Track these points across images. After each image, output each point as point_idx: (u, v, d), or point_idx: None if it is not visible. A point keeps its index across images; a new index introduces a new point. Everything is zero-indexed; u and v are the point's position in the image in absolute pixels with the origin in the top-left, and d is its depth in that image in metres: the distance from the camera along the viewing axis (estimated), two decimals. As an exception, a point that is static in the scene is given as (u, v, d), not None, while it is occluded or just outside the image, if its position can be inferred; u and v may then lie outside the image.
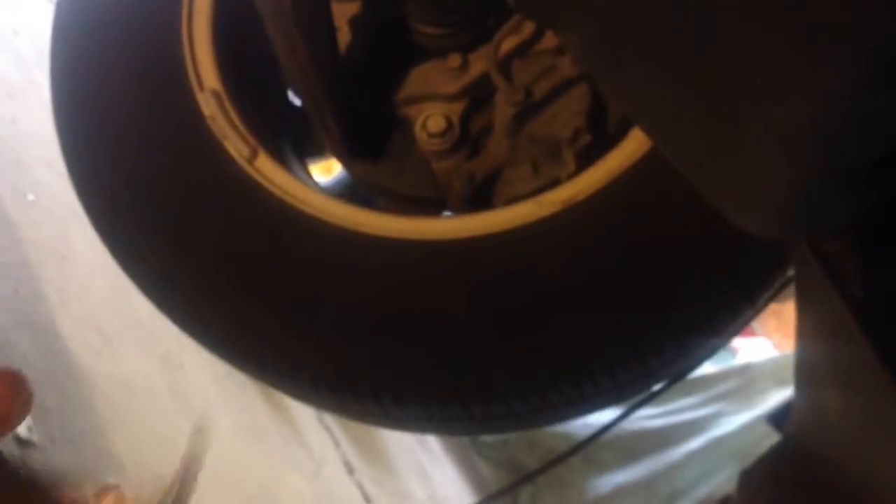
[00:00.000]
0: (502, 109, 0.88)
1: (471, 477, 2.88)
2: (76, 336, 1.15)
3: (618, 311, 0.78)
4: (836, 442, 0.65)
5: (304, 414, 1.96)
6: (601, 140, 0.88)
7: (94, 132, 0.89)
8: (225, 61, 0.92)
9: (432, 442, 2.81)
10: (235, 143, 0.88)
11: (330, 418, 2.08)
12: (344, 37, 0.95)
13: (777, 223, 0.36)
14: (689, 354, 0.83)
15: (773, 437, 0.82)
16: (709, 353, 0.89)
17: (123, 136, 0.88)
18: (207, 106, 0.88)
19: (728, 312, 0.79)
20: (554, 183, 0.88)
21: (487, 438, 3.27)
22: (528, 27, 0.90)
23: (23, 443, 0.93)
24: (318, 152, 1.10)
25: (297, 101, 1.06)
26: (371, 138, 0.96)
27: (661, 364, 0.80)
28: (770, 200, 0.33)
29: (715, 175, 0.36)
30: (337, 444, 2.06)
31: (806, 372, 0.68)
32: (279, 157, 0.93)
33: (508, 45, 0.90)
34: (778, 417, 0.79)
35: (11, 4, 1.69)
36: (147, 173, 0.87)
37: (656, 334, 0.79)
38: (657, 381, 0.88)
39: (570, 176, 0.87)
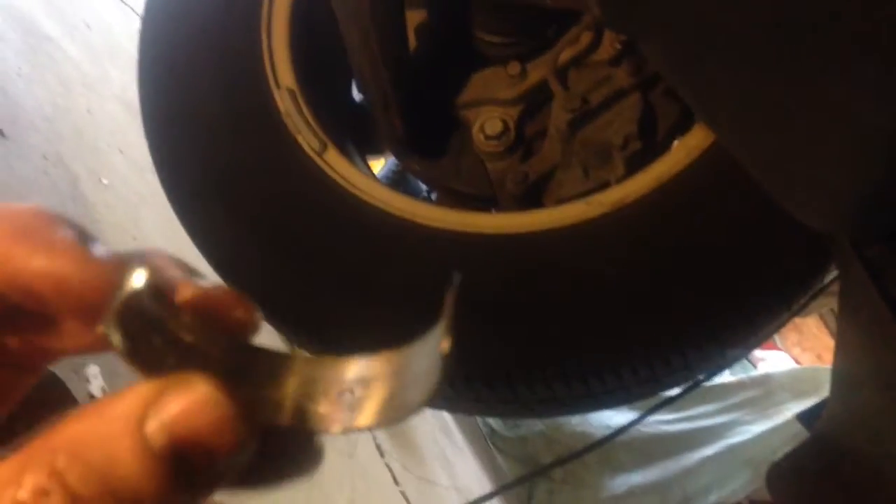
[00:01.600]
0: (558, 115, 0.94)
1: (490, 469, 2.95)
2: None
3: (658, 308, 0.84)
4: (870, 440, 0.70)
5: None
6: (650, 147, 0.94)
7: (180, 125, 0.96)
8: (299, 62, 0.99)
9: (455, 433, 2.89)
10: (307, 138, 0.94)
11: (364, 403, 2.17)
12: (411, 42, 1.02)
13: (840, 222, 0.41)
14: (724, 354, 0.89)
15: (788, 447, 0.87)
16: (741, 355, 0.95)
17: (207, 130, 0.95)
18: (283, 103, 0.95)
19: (765, 316, 0.84)
20: (603, 185, 0.94)
21: (507, 434, 3.32)
22: (585, 39, 0.96)
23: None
24: (376, 149, 1.17)
25: (360, 101, 1.13)
26: (431, 137, 1.03)
27: (699, 360, 0.86)
28: (834, 208, 0.38)
29: (785, 172, 0.41)
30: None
31: (845, 371, 0.73)
32: (344, 151, 1.00)
33: (566, 55, 0.96)
34: (808, 416, 0.84)
35: (82, 2, 1.77)
36: (227, 164, 0.94)
37: (695, 333, 0.85)
38: (693, 377, 0.94)
39: (620, 179, 0.92)
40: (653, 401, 1.40)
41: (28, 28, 1.51)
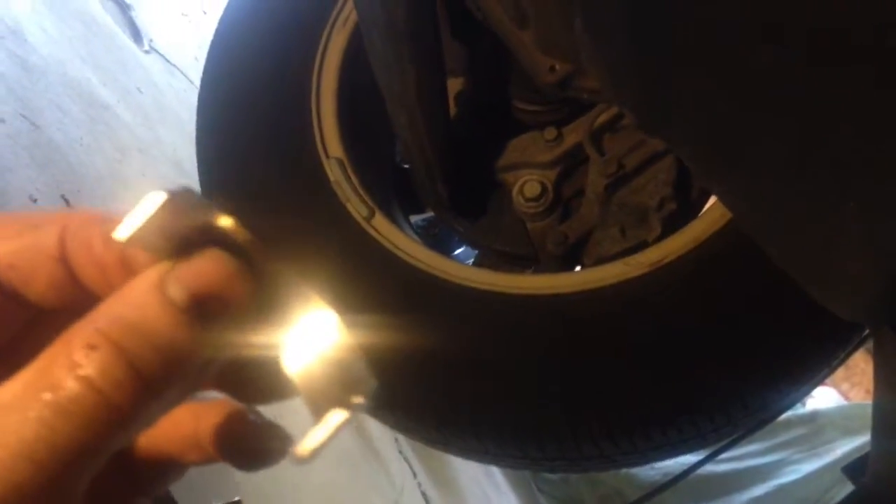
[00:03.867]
0: (595, 179, 0.97)
1: (533, 513, 2.95)
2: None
3: (698, 366, 0.86)
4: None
5: (385, 444, 2.08)
6: (685, 207, 0.97)
7: (237, 193, 1.02)
8: (347, 132, 1.04)
9: (498, 475, 2.90)
10: (356, 205, 1.00)
11: (408, 449, 2.20)
12: (452, 109, 1.07)
13: (863, 315, 0.44)
14: (768, 407, 0.91)
15: (839, 487, 0.88)
16: (784, 407, 0.96)
17: (262, 200, 1.01)
18: (332, 172, 1.01)
19: (804, 371, 0.86)
20: (640, 245, 0.97)
21: (550, 476, 3.30)
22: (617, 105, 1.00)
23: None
24: (419, 210, 1.22)
25: (403, 165, 1.18)
26: (473, 200, 1.07)
27: (743, 415, 0.87)
28: (856, 299, 0.41)
29: (810, 271, 0.44)
30: (414, 474, 2.17)
31: (882, 425, 0.75)
32: (390, 215, 1.05)
33: (601, 120, 1.00)
34: (854, 469, 0.85)
35: (133, 66, 1.88)
36: (281, 231, 1.00)
37: (735, 390, 0.87)
38: (737, 430, 0.95)
39: (657, 239, 0.96)
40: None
41: (87, 98, 1.61)
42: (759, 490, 3.06)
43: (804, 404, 3.33)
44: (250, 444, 0.29)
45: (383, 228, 1.00)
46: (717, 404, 0.86)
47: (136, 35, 2.09)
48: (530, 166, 1.05)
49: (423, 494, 2.17)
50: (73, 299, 0.26)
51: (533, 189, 1.03)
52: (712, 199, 1.02)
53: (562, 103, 1.01)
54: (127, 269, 0.25)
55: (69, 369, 0.22)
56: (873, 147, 0.34)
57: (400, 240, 0.99)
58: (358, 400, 0.26)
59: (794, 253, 0.45)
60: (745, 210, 0.49)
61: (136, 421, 0.23)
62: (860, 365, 3.48)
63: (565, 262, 1.04)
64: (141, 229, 0.24)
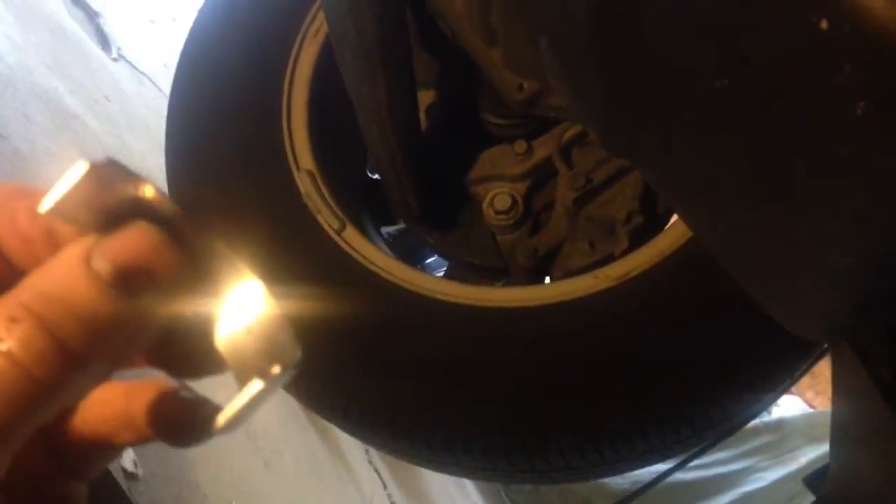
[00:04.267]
0: (564, 192, 0.99)
1: (504, 523, 2.96)
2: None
3: (665, 377, 0.88)
4: (869, 501, 0.73)
5: (355, 455, 2.08)
6: (652, 220, 0.99)
7: (206, 203, 1.02)
8: (318, 144, 1.04)
9: (468, 486, 2.90)
10: (327, 217, 1.00)
11: (378, 460, 2.19)
12: (422, 122, 1.08)
13: (821, 334, 0.45)
14: (733, 418, 0.92)
15: (803, 497, 0.90)
16: (751, 416, 0.98)
17: (230, 209, 1.01)
18: (303, 184, 1.01)
19: (768, 382, 0.88)
20: (608, 258, 0.99)
21: (521, 486, 3.31)
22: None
23: (129, 475, 1.04)
24: (390, 222, 1.22)
25: (375, 177, 1.18)
26: (443, 212, 1.08)
27: (709, 426, 0.89)
28: (814, 319, 0.43)
29: (771, 296, 0.46)
30: (384, 485, 2.16)
31: (841, 436, 0.77)
32: (361, 227, 1.05)
33: (569, 134, 1.01)
34: (814, 480, 0.87)
35: (102, 74, 1.85)
36: (250, 242, 0.99)
37: (701, 401, 0.88)
38: (704, 440, 0.97)
39: (624, 252, 0.97)
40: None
41: (53, 107, 1.59)
42: (725, 498, 3.10)
43: (770, 412, 3.39)
44: (184, 420, 0.29)
45: (354, 241, 1.00)
46: (684, 416, 0.87)
47: (105, 42, 2.07)
48: (501, 179, 1.06)
49: (393, 504, 2.17)
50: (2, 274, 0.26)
51: (503, 202, 1.04)
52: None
53: (531, 118, 1.02)
54: (53, 243, 0.25)
55: None
56: (823, 181, 0.35)
57: (371, 252, 1.00)
58: (277, 370, 0.25)
59: (754, 276, 0.47)
60: (707, 234, 0.50)
61: (59, 394, 0.22)
62: (825, 373, 3.54)
63: (535, 275, 1.05)
64: (65, 201, 0.23)
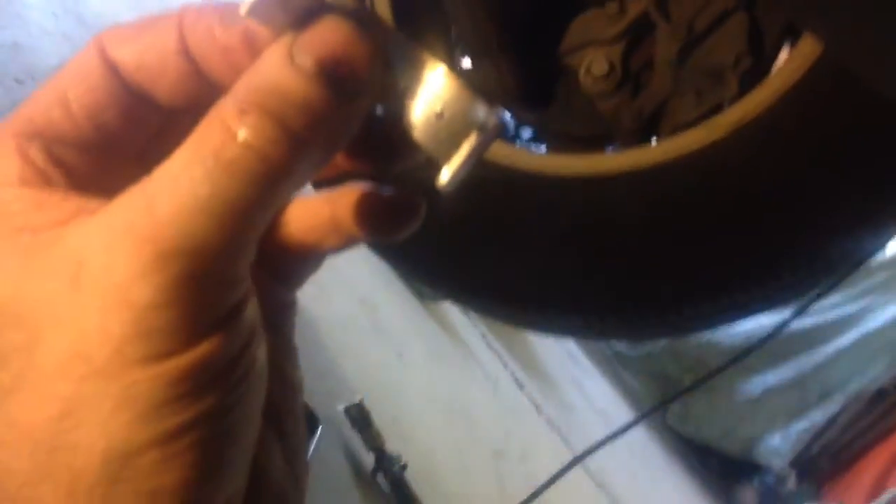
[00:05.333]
0: (665, 46, 0.96)
1: (620, 387, 3.04)
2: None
3: (795, 219, 0.87)
4: None
5: (474, 339, 2.18)
6: (760, 61, 0.95)
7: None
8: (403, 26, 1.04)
9: (581, 357, 2.99)
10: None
11: (496, 342, 2.29)
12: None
13: None
14: (857, 253, 0.91)
15: None
16: (868, 256, 0.96)
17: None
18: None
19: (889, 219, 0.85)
20: (717, 108, 0.96)
21: (631, 353, 3.37)
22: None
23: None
24: (485, 105, 1.22)
25: (462, 67, 1.18)
26: (540, 88, 1.07)
27: (827, 268, 0.88)
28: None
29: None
30: (505, 364, 2.26)
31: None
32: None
33: (664, -16, 0.97)
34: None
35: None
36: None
37: (831, 236, 0.87)
38: (831, 276, 0.96)
39: (733, 99, 0.94)
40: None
41: None
42: (844, 340, 3.07)
43: (884, 250, 3.28)
44: (389, 213, 0.29)
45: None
46: (805, 258, 0.87)
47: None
48: (594, 44, 1.03)
49: (517, 381, 2.27)
50: (200, 96, 0.27)
51: (600, 66, 1.02)
52: (785, 53, 0.99)
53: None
54: (251, 49, 0.26)
55: (226, 134, 0.23)
56: None
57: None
58: (492, 121, 0.25)
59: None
60: (846, 37, 0.48)
61: (292, 176, 0.24)
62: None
63: (641, 137, 1.03)
64: (258, 2, 0.24)
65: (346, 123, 0.25)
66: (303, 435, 0.32)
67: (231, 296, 0.24)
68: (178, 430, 0.23)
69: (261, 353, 0.26)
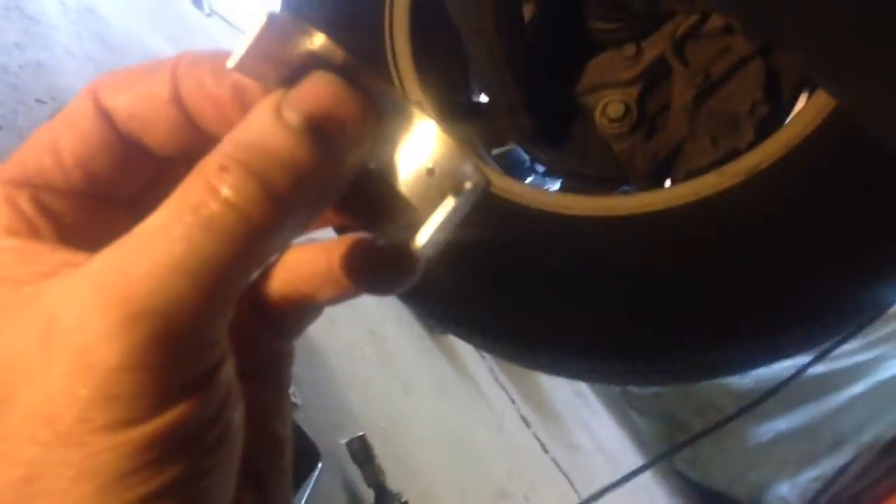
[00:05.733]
0: (681, 91, 0.96)
1: (628, 428, 3.00)
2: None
3: (806, 270, 0.86)
4: None
5: (482, 373, 2.16)
6: (777, 109, 0.95)
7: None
8: (422, 75, 1.05)
9: (590, 396, 2.95)
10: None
11: (504, 377, 2.27)
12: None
13: None
14: (871, 306, 0.89)
15: None
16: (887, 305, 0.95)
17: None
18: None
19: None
20: (732, 154, 0.96)
21: (640, 392, 3.33)
22: (695, 12, 0.97)
23: (291, 406, 1.13)
24: (499, 143, 1.22)
25: (479, 101, 1.18)
26: (556, 128, 1.07)
27: (852, 313, 0.87)
28: None
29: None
30: (512, 401, 2.24)
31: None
32: (475, 153, 1.06)
33: (682, 28, 0.97)
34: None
35: (197, 31, 1.90)
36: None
37: (844, 290, 0.86)
38: (844, 330, 0.95)
39: (750, 146, 0.94)
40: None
41: None
42: (857, 388, 3.02)
43: None
44: (384, 266, 0.28)
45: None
46: (828, 306, 0.85)
47: (196, 1, 2.12)
48: (611, 86, 1.03)
49: (523, 419, 2.24)
50: (192, 145, 0.27)
51: (616, 109, 1.02)
52: (803, 100, 0.99)
53: (637, 18, 0.99)
54: (241, 103, 0.26)
55: (207, 192, 0.23)
56: None
57: (492, 176, 1.00)
58: (468, 186, 0.25)
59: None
60: (861, 99, 0.48)
61: (273, 237, 0.24)
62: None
63: (655, 180, 1.03)
64: (248, 56, 0.24)
65: (334, 181, 0.25)
66: (288, 495, 0.30)
67: (205, 358, 0.23)
68: (142, 500, 0.22)
69: (237, 415, 0.25)
